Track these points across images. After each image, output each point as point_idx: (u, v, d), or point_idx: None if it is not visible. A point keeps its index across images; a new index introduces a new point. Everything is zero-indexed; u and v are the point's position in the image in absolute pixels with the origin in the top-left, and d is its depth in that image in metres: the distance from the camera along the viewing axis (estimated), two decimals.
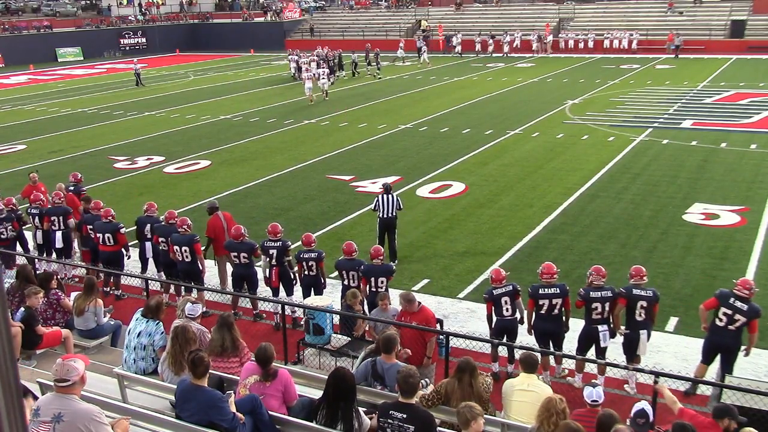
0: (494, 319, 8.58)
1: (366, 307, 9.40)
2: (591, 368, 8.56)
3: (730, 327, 7.85)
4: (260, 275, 10.92)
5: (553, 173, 17.98)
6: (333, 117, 27.07)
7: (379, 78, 37.81)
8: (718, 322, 7.87)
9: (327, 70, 32.52)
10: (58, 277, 10.55)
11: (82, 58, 54.87)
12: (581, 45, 48.03)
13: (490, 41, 47.99)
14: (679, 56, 41.58)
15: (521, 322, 8.65)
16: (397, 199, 12.71)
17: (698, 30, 46.58)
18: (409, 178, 17.94)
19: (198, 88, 37.03)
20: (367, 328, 8.62)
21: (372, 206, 12.78)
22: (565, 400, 5.60)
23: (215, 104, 31.47)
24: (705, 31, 46.28)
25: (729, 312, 7.81)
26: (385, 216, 12.42)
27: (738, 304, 7.81)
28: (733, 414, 5.71)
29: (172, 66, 49.84)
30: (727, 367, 7.96)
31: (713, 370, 8.74)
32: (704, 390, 7.93)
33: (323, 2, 69.19)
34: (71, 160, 21.22)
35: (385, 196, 12.61)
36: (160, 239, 11.08)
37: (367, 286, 9.50)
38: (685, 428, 5.39)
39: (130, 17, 63.13)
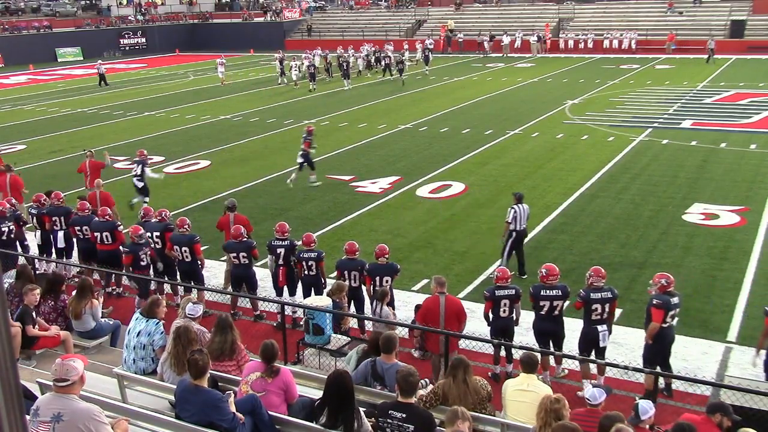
0: (491, 317, 8.60)
1: (368, 306, 9.41)
2: (591, 368, 8.55)
3: (673, 323, 8.02)
4: (259, 275, 10.93)
5: (553, 173, 17.98)
6: (333, 117, 27.07)
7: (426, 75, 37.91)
8: (665, 326, 7.90)
9: (300, 63, 37.07)
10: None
11: (82, 58, 54.87)
12: (581, 45, 48.05)
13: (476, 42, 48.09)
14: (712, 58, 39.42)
15: (517, 323, 8.67)
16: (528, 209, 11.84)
17: (698, 30, 46.57)
18: (409, 178, 17.94)
19: (198, 88, 37.04)
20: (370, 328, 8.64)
21: (508, 218, 11.50)
22: (561, 400, 5.59)
23: (215, 104, 31.48)
24: (705, 31, 46.27)
25: (673, 312, 7.93)
26: (519, 228, 11.48)
27: (675, 300, 7.93)
28: (726, 410, 5.73)
29: (172, 66, 49.85)
30: (667, 363, 8.08)
31: (713, 370, 8.75)
32: (704, 390, 7.93)
33: (323, 2, 69.18)
34: (71, 160, 21.20)
35: (520, 206, 11.52)
36: (154, 235, 11.10)
37: (372, 285, 9.51)
38: (684, 429, 5.39)
39: (129, 17, 63.14)
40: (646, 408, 5.77)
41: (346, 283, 9.52)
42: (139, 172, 15.63)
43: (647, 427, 5.79)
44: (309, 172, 17.59)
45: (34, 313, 8.31)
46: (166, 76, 44.03)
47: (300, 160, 17.45)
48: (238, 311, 10.70)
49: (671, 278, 8.01)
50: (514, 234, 11.46)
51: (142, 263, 10.59)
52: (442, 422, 6.03)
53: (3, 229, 11.65)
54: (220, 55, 42.00)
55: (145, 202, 15.04)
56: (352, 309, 9.79)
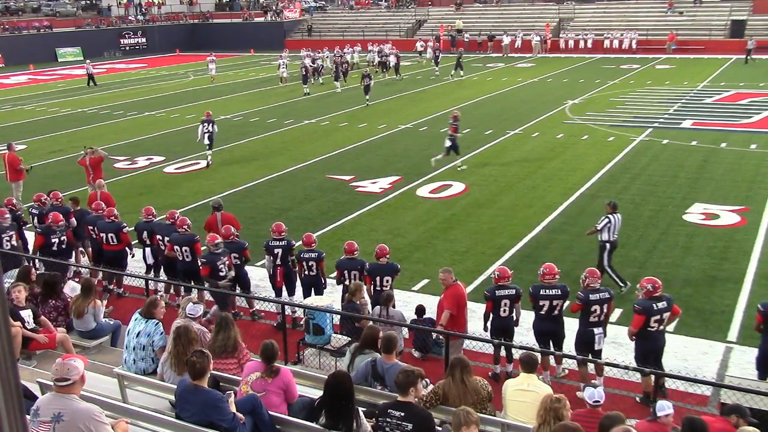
0: (491, 317, 8.61)
1: (369, 307, 9.41)
2: (590, 368, 8.55)
3: (661, 327, 7.93)
4: (260, 275, 10.93)
5: (553, 173, 17.98)
6: (333, 117, 27.07)
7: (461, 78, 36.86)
8: (650, 330, 7.84)
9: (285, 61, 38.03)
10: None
11: (82, 58, 54.82)
12: (581, 45, 48.05)
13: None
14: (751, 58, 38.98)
15: (517, 324, 8.68)
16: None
17: (698, 30, 46.57)
18: (409, 178, 17.94)
19: (198, 88, 37.04)
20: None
21: (601, 225, 10.97)
22: (562, 400, 5.60)
23: (215, 104, 31.45)
24: (705, 31, 46.28)
25: (658, 317, 7.84)
26: (612, 238, 11.02)
27: (660, 305, 7.83)
28: (742, 412, 5.73)
29: (172, 66, 49.84)
30: (659, 365, 8.01)
31: (713, 370, 8.75)
32: (704, 390, 7.94)
33: (323, 2, 69.18)
34: (71, 160, 21.20)
35: (615, 215, 11.05)
36: (158, 237, 11.10)
37: (372, 285, 9.50)
38: (694, 422, 5.39)
39: (130, 17, 63.14)
40: (664, 405, 5.79)
41: (361, 283, 9.44)
42: (210, 129, 19.91)
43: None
44: (455, 157, 18.63)
45: (30, 312, 8.29)
46: (166, 76, 44.03)
47: (447, 144, 18.49)
48: (239, 311, 10.69)
49: (658, 283, 7.95)
50: (608, 245, 11.03)
51: (221, 273, 9.99)
52: (442, 422, 6.04)
53: (53, 240, 11.26)
54: (211, 53, 42.72)
55: (209, 155, 20.20)
56: None
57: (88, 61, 43.06)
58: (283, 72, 37.10)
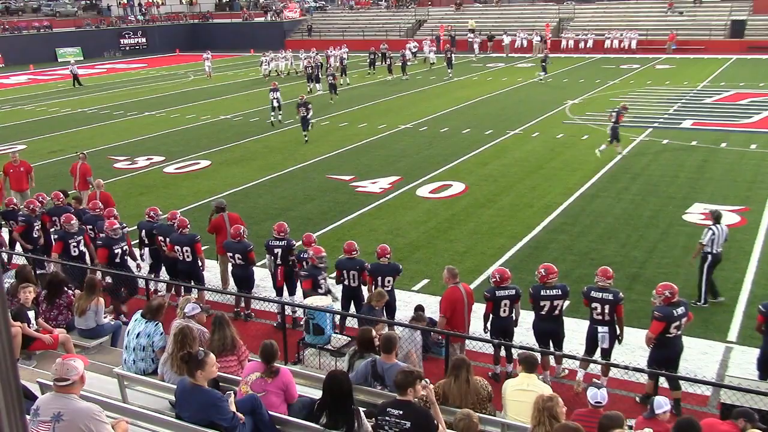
0: (490, 317, 8.61)
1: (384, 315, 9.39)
2: (592, 368, 8.55)
3: (679, 333, 7.88)
4: (260, 275, 10.92)
5: (553, 173, 17.98)
6: (333, 117, 27.07)
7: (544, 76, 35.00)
8: (669, 336, 7.78)
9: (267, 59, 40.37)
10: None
11: (82, 58, 54.86)
12: (581, 45, 48.04)
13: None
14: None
15: (516, 324, 8.67)
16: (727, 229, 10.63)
17: (698, 30, 46.57)
18: (409, 178, 17.94)
19: (198, 88, 37.05)
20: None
21: (706, 238, 10.37)
22: (554, 398, 5.59)
23: (215, 104, 31.48)
24: (705, 31, 46.28)
25: (677, 323, 7.79)
26: (716, 250, 10.35)
27: (679, 311, 7.78)
28: (751, 417, 5.72)
29: (172, 66, 49.84)
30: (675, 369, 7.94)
31: (713, 370, 8.75)
32: (704, 390, 7.94)
33: (323, 2, 69.19)
34: (71, 160, 21.18)
35: (719, 226, 10.38)
36: (160, 239, 11.09)
37: (373, 285, 9.49)
38: (690, 424, 5.39)
39: (130, 17, 63.16)
40: (662, 403, 5.78)
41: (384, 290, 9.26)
42: (275, 96, 25.43)
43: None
44: (608, 142, 18.96)
45: (33, 312, 8.30)
46: (166, 76, 44.03)
47: (610, 132, 19.01)
48: (241, 311, 10.69)
49: (675, 288, 7.86)
50: (710, 258, 10.38)
51: (320, 290, 9.42)
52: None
53: (116, 251, 10.54)
54: (207, 50, 43.88)
55: (279, 115, 25.95)
56: (352, 309, 9.78)
57: (72, 60, 43.21)
58: (265, 69, 39.28)
